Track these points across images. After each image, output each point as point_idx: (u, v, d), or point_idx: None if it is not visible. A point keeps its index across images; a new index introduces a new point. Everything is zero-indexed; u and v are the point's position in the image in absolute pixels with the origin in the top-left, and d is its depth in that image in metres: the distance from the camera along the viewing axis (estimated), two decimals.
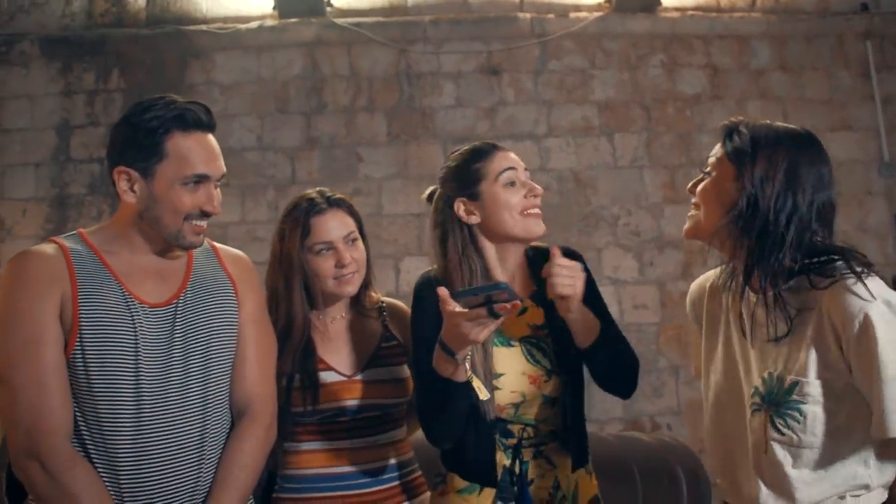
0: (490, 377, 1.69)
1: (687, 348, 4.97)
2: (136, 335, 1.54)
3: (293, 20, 4.96)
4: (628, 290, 4.98)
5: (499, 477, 1.73)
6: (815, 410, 1.41)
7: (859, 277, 1.38)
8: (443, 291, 1.51)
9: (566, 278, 1.60)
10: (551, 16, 5.11)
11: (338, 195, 1.95)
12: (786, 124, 1.56)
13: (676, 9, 5.20)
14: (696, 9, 5.23)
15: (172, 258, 1.67)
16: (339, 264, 1.86)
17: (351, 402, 1.86)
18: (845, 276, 1.40)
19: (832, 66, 5.26)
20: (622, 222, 5.05)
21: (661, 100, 5.15)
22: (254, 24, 4.97)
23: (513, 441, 1.75)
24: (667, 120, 5.14)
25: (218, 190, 1.64)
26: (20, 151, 4.81)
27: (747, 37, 5.23)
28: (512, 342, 1.76)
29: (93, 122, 4.82)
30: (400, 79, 5.03)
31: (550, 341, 1.77)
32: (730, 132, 1.54)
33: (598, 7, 5.15)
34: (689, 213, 1.62)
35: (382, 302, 2.03)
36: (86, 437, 1.53)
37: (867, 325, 1.34)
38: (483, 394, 1.59)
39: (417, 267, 4.86)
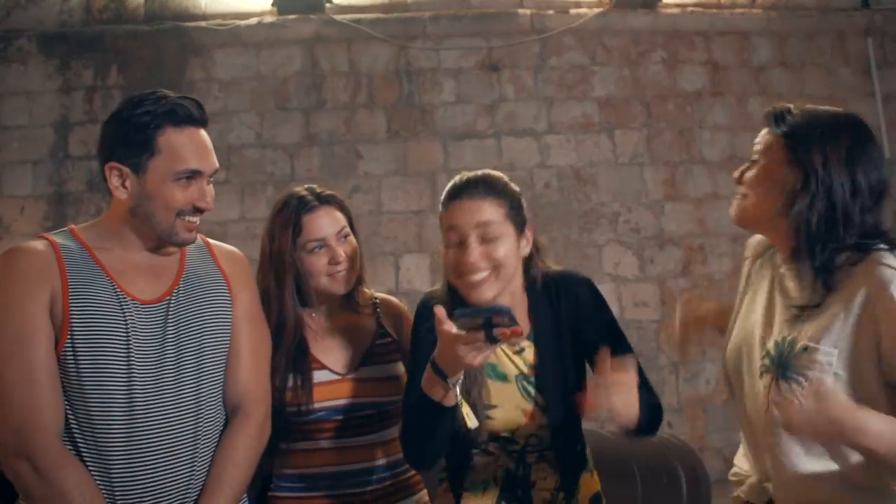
0: (482, 407, 1.65)
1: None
2: (127, 332, 1.53)
3: (292, 17, 4.95)
4: (628, 288, 4.96)
5: (502, 479, 1.71)
6: (819, 378, 1.40)
7: (892, 250, 1.41)
8: (440, 311, 1.45)
9: (623, 397, 1.45)
10: (551, 12, 5.09)
11: (327, 191, 1.93)
12: (831, 108, 1.56)
13: (677, 5, 5.19)
14: (696, 5, 5.21)
15: (165, 254, 1.65)
16: (333, 261, 1.85)
17: (345, 401, 1.84)
18: (880, 250, 1.42)
19: (833, 63, 5.25)
20: (622, 219, 5.03)
21: (661, 96, 5.14)
22: (253, 21, 4.96)
23: (516, 447, 1.72)
24: (667, 116, 5.12)
25: (211, 186, 1.62)
26: (18, 148, 4.80)
27: (748, 33, 5.22)
28: (507, 377, 1.71)
29: (91, 119, 4.80)
30: (400, 75, 5.02)
31: (546, 379, 1.70)
32: (778, 117, 1.53)
33: (598, 3, 5.13)
34: (737, 201, 1.62)
35: (376, 298, 2.01)
36: (76, 435, 1.52)
37: None
38: (472, 422, 1.53)
39: (417, 264, 4.85)
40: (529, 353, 1.73)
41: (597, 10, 5.08)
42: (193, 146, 1.57)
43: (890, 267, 1.39)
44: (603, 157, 5.06)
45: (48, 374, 1.48)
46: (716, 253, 4.99)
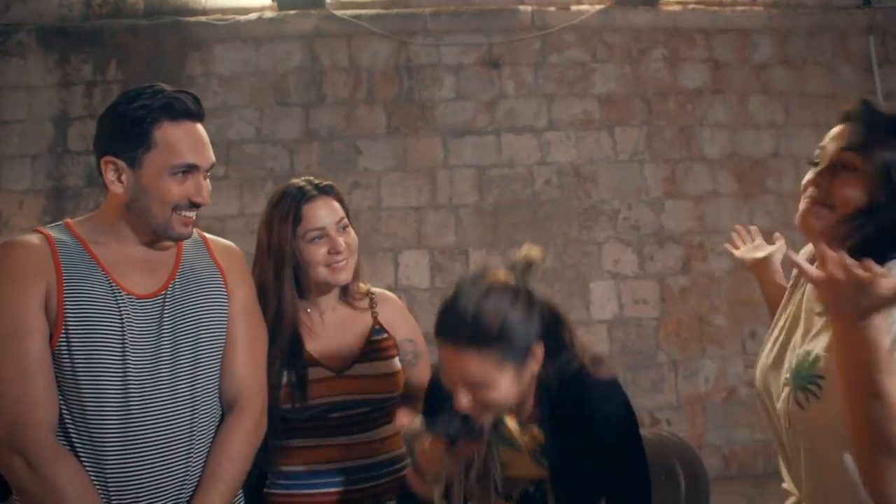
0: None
1: (686, 343, 4.96)
2: (122, 327, 1.52)
3: (292, 12, 4.94)
4: (628, 285, 4.95)
5: None
6: (833, 386, 1.35)
7: None
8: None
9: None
10: (552, 8, 5.08)
11: (326, 182, 1.92)
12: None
13: (678, 2, 5.18)
14: (697, 2, 5.20)
15: (161, 249, 1.64)
16: (333, 251, 1.83)
17: (340, 398, 1.83)
18: None
19: (834, 61, 5.24)
20: (622, 216, 5.03)
21: (662, 94, 5.13)
22: (253, 16, 4.95)
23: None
24: (668, 114, 5.12)
25: (207, 181, 1.61)
26: (17, 143, 4.79)
27: (749, 31, 5.21)
28: (511, 497, 1.58)
29: (90, 113, 4.78)
30: (400, 71, 5.01)
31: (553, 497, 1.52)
32: (865, 120, 1.45)
33: (599, 0, 5.12)
34: (816, 209, 1.48)
35: (372, 294, 2.00)
36: (71, 430, 1.51)
37: None
38: None
39: (416, 261, 4.84)
40: (532, 468, 1.57)
41: (598, 7, 5.07)
42: (190, 140, 1.56)
43: None
44: (603, 155, 5.06)
45: (42, 369, 1.48)
46: (716, 250, 4.98)
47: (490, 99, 5.03)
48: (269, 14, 4.96)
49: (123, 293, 1.55)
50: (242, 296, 1.72)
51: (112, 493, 1.51)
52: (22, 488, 1.47)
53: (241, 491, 1.71)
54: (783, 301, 1.67)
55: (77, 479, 1.47)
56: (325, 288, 1.90)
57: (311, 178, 1.92)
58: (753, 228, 2.03)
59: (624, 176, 5.05)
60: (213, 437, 1.64)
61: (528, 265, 1.49)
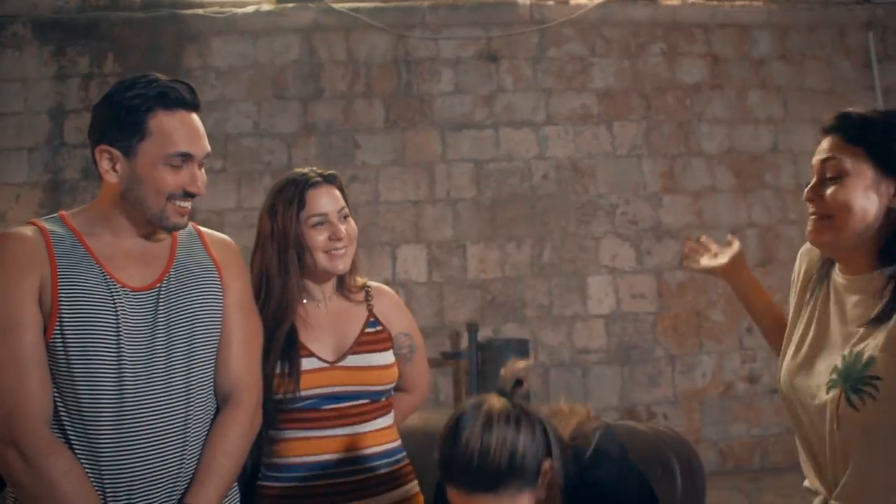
0: None
1: (683, 338, 4.96)
2: (117, 319, 1.51)
3: (290, 5, 4.93)
4: (626, 280, 4.95)
5: None
6: (890, 387, 1.39)
7: None
8: None
9: None
10: (551, 2, 5.08)
11: (329, 171, 1.93)
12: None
13: None
14: None
15: (156, 241, 1.63)
16: (334, 237, 1.84)
17: (333, 389, 1.83)
18: None
19: (833, 56, 5.24)
20: (620, 211, 5.02)
21: (660, 88, 5.12)
22: (250, 9, 4.94)
23: None
24: (666, 109, 5.12)
25: (203, 171, 1.61)
26: (13, 136, 4.78)
27: (748, 26, 5.20)
28: None
29: (87, 106, 4.76)
30: (398, 65, 5.00)
31: None
32: (856, 126, 1.49)
33: None
34: (820, 224, 1.52)
35: (368, 286, 2.00)
36: (66, 422, 1.50)
37: None
38: None
39: (414, 255, 4.84)
40: None
41: (596, 2, 5.07)
42: (184, 129, 1.55)
43: None
44: (601, 149, 5.06)
45: (36, 362, 1.47)
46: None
47: (488, 93, 5.03)
48: (266, 7, 4.95)
49: (118, 286, 1.54)
50: (238, 289, 1.72)
51: (107, 486, 1.50)
52: (16, 481, 1.46)
53: (235, 484, 1.70)
54: (794, 302, 1.68)
55: (72, 472, 1.46)
56: (322, 277, 1.90)
57: (314, 167, 1.94)
58: (704, 238, 2.03)
59: (622, 171, 5.05)
60: (209, 431, 1.63)
61: (518, 382, 1.46)
